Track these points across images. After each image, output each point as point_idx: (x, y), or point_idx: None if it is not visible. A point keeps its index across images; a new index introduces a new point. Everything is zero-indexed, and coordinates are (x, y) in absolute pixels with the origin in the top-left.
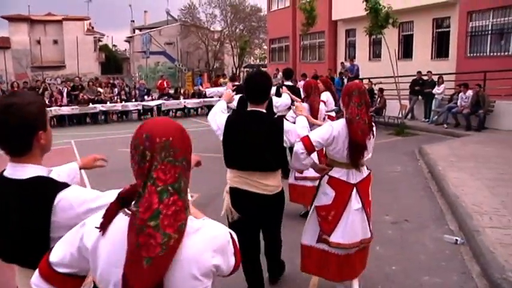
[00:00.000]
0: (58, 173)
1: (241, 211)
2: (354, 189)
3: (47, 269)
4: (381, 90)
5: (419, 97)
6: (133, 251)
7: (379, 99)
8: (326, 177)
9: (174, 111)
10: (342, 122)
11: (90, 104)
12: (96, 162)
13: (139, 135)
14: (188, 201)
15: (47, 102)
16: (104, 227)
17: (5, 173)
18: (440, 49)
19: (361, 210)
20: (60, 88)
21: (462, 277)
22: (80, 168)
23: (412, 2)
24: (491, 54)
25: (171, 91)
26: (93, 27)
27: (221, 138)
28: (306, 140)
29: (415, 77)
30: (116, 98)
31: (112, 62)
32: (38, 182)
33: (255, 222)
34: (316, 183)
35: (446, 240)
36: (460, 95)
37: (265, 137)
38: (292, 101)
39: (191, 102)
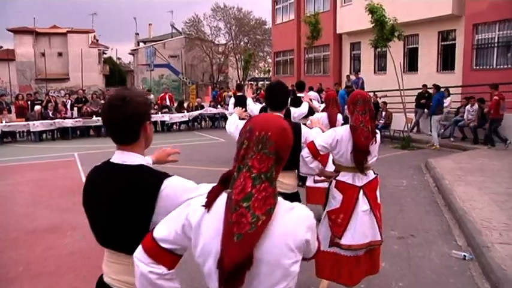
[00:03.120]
0: None
1: None
2: (361, 192)
3: (152, 243)
4: (385, 103)
5: (425, 110)
6: (227, 227)
7: (384, 112)
8: (334, 182)
9: (178, 124)
10: (345, 127)
11: (94, 116)
12: (169, 158)
13: (246, 126)
14: (277, 189)
15: (50, 114)
16: (209, 205)
17: (113, 159)
18: (446, 62)
19: (369, 212)
20: (64, 100)
21: None
22: (153, 163)
23: (417, 14)
24: (498, 66)
25: (175, 104)
26: (97, 40)
27: None
28: (311, 145)
29: (420, 90)
30: None
31: (116, 75)
32: (145, 169)
33: None
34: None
35: (454, 256)
36: (466, 108)
37: None
38: (310, 110)
39: (194, 115)
